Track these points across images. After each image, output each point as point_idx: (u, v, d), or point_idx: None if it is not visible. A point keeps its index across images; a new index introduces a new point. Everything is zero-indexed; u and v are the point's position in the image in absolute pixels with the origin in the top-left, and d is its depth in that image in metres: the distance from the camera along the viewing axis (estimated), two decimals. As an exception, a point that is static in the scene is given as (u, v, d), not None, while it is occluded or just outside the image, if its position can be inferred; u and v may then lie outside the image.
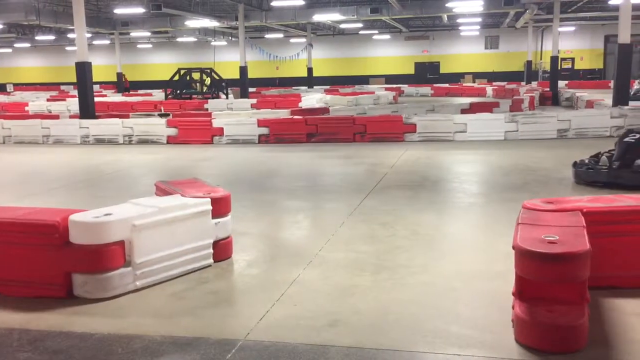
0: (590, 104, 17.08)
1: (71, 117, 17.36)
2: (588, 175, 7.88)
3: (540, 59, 37.74)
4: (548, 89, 24.74)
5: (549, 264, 3.33)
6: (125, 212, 4.47)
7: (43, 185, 9.46)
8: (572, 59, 38.64)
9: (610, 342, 3.46)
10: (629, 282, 4.20)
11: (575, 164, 8.18)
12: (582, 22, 33.75)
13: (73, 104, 20.97)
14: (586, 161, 8.15)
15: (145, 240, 4.43)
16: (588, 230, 3.67)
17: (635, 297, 4.07)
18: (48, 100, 27.58)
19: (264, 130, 14.11)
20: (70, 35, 31.20)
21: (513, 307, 3.54)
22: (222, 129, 14.35)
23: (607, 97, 17.14)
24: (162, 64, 42.32)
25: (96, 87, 26.38)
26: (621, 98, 14.99)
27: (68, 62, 27.17)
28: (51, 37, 32.85)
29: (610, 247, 4.10)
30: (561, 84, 27.56)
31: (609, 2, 23.52)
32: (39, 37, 32.63)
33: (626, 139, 7.90)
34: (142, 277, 4.43)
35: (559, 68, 27.92)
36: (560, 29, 26.25)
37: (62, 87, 39.36)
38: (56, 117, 17.42)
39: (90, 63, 15.39)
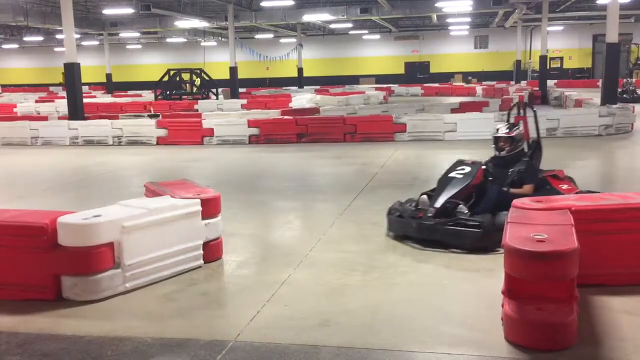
0: (578, 103, 17.19)
1: (60, 118, 17.24)
2: (398, 225, 5.65)
3: (529, 59, 37.93)
4: (537, 88, 24.87)
5: (537, 262, 3.35)
6: (114, 214, 4.44)
7: (31, 187, 9.40)
8: (561, 58, 38.87)
9: (599, 340, 3.48)
10: (618, 280, 4.23)
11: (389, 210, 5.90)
12: (570, 22, 33.96)
13: (62, 105, 20.83)
14: (399, 205, 5.90)
15: (135, 242, 4.42)
16: (576, 228, 3.69)
17: (624, 295, 4.10)
18: (36, 101, 27.37)
19: (254, 131, 14.09)
20: (58, 36, 31.01)
21: (502, 306, 3.56)
22: (212, 129, 14.31)
23: (595, 96, 17.24)
24: (151, 64, 42.16)
25: (85, 88, 26.26)
26: (609, 97, 15.09)
27: (57, 63, 27.01)
28: (39, 38, 32.64)
29: (599, 245, 4.13)
30: (550, 83, 27.69)
31: (597, 2, 23.68)
32: (27, 38, 32.40)
33: (452, 174, 5.74)
34: (132, 278, 4.41)
35: (548, 67, 28.08)
36: (548, 29, 26.41)
37: (51, 89, 39.10)
38: (45, 118, 17.30)
39: (79, 64, 15.29)
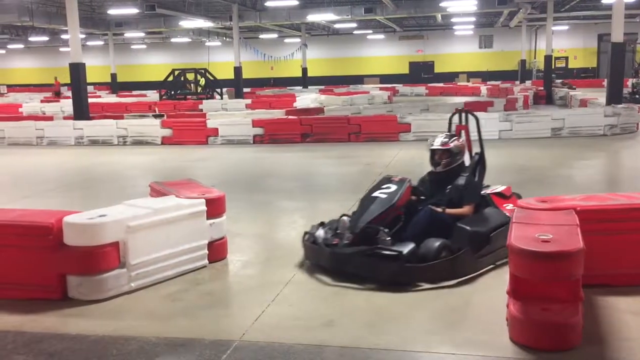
0: (584, 103, 17.14)
1: (65, 118, 17.30)
2: (312, 253, 4.87)
3: (534, 58, 37.82)
4: (542, 88, 24.81)
5: (542, 263, 3.35)
6: (119, 214, 4.46)
7: (37, 187, 9.42)
8: (566, 58, 38.75)
9: (604, 340, 3.47)
10: (623, 280, 4.22)
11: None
12: (575, 21, 33.84)
13: (67, 105, 20.89)
14: (318, 227, 5.01)
15: (140, 242, 4.43)
16: (582, 228, 3.68)
17: (629, 295, 4.09)
18: (42, 101, 27.47)
19: (259, 131, 14.10)
20: (63, 36, 31.07)
21: (507, 306, 3.55)
22: (216, 129, 14.33)
23: (600, 96, 17.19)
24: (156, 64, 42.20)
25: (90, 88, 26.32)
26: (614, 97, 15.04)
27: (62, 63, 27.05)
28: (45, 38, 32.71)
29: (604, 245, 4.12)
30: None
31: (602, 1, 23.63)
32: (32, 38, 32.48)
33: (375, 193, 4.91)
34: (137, 278, 4.42)
35: (553, 67, 27.98)
36: (553, 28, 26.32)
37: (56, 89, 39.19)
38: (50, 118, 17.35)
39: (84, 64, 15.34)
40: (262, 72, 40.61)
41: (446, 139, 5.23)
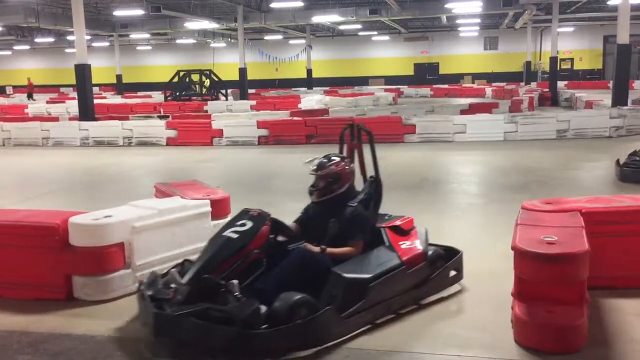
0: (589, 105, 17.09)
1: (71, 119, 17.35)
2: (140, 313, 3.82)
3: (540, 60, 37.73)
4: (547, 90, 24.75)
5: (547, 265, 3.34)
6: (124, 214, 4.47)
7: (42, 188, 9.46)
8: (571, 60, 38.65)
9: (609, 342, 3.46)
10: (629, 282, 4.20)
11: None
12: (581, 23, 33.75)
13: (72, 106, 20.97)
14: (155, 277, 3.81)
15: (145, 242, 4.44)
16: (587, 230, 3.67)
17: (635, 297, 4.07)
18: (47, 102, 27.57)
19: (264, 132, 14.12)
20: (69, 37, 31.17)
21: (512, 308, 3.55)
22: (221, 130, 14.35)
23: (606, 98, 17.14)
24: (161, 65, 42.30)
25: (96, 89, 26.40)
26: (620, 98, 14.99)
27: (67, 64, 27.13)
28: (50, 39, 32.82)
29: (610, 248, 4.11)
30: (560, 84, 27.55)
31: (608, 3, 23.54)
32: (38, 39, 32.58)
33: (227, 231, 3.80)
34: (142, 279, 4.43)
35: (558, 68, 27.93)
36: (559, 30, 26.24)
37: (62, 89, 39.34)
38: (56, 119, 17.41)
39: (89, 65, 15.38)
40: (267, 73, 40.65)
41: (325, 161, 4.22)
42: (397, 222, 4.37)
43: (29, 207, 5.93)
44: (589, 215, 4.04)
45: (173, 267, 3.81)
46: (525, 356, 3.32)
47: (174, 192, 5.29)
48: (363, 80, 38.86)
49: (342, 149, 4.71)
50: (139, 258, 4.40)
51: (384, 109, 19.32)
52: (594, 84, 32.28)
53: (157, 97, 28.92)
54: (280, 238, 3.95)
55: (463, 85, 34.66)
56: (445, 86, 32.99)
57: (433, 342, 3.55)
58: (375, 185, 4.49)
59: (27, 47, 39.14)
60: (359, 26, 34.46)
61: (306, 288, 3.53)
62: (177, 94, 26.52)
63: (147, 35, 34.77)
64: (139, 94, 33.01)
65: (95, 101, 17.56)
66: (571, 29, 35.07)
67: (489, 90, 28.24)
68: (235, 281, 3.46)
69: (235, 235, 3.71)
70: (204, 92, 27.03)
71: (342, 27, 34.88)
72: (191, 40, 38.45)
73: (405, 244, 4.14)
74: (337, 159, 4.28)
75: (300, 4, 22.69)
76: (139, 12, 23.52)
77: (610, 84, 19.78)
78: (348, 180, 4.24)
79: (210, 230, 4.93)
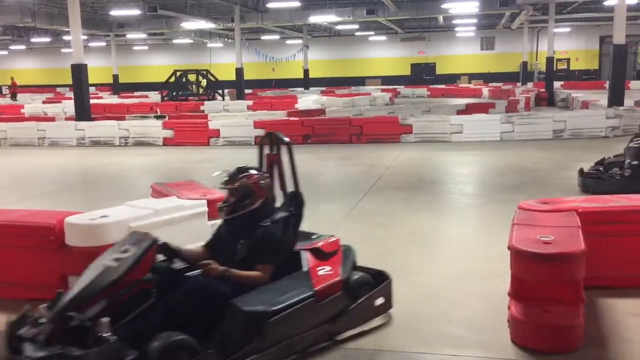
0: (585, 105, 17.13)
1: (67, 119, 17.32)
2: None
3: (536, 60, 37.79)
4: (544, 90, 24.80)
5: (544, 264, 3.35)
6: (121, 214, 4.45)
7: (39, 188, 9.43)
8: (568, 60, 38.71)
9: (606, 342, 3.47)
10: (625, 282, 4.21)
11: None
12: (577, 23, 33.81)
13: (69, 106, 20.92)
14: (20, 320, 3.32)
15: (142, 242, 4.42)
16: (583, 230, 3.68)
17: (631, 297, 4.08)
18: (44, 102, 27.50)
19: (260, 132, 14.10)
20: (65, 37, 31.08)
21: (509, 308, 3.55)
22: (218, 130, 14.34)
23: (602, 98, 17.18)
24: (158, 65, 42.23)
25: (92, 89, 26.34)
26: (616, 98, 15.02)
27: (64, 64, 27.03)
28: (47, 39, 32.74)
29: (606, 247, 4.12)
30: (557, 84, 27.59)
31: (604, 3, 23.57)
32: (34, 39, 32.49)
33: (105, 260, 3.34)
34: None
35: (555, 69, 27.98)
36: (555, 30, 26.28)
37: (58, 89, 39.25)
38: (52, 119, 17.37)
39: (86, 65, 15.35)
40: (263, 73, 40.63)
41: (235, 173, 3.76)
42: (320, 244, 3.88)
43: (24, 207, 5.91)
44: (585, 215, 4.05)
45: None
46: (522, 356, 3.33)
47: (170, 192, 5.28)
48: (360, 81, 38.86)
49: (262, 160, 4.17)
50: (135, 258, 4.38)
51: (381, 109, 19.33)
52: (590, 84, 32.35)
53: (154, 97, 28.88)
54: (178, 264, 3.45)
55: (460, 85, 34.68)
56: (442, 86, 33.01)
57: (429, 341, 3.56)
58: (295, 202, 3.94)
59: (23, 47, 39.05)
60: (355, 26, 34.46)
61: (202, 323, 3.14)
62: (174, 94, 26.48)
63: (143, 35, 34.70)
64: (136, 94, 32.95)
65: (92, 101, 17.52)
66: (567, 29, 35.13)
67: (485, 91, 28.27)
68: (105, 319, 2.93)
69: (114, 264, 3.20)
70: (200, 92, 27.00)
71: (339, 27, 34.88)
72: (188, 40, 38.40)
73: (323, 270, 3.63)
74: (251, 171, 3.78)
75: (297, 4, 22.68)
76: (135, 12, 23.47)
77: (607, 84, 19.81)
78: (262, 196, 3.71)
79: (207, 230, 4.93)
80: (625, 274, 4.22)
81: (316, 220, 7.03)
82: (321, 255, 3.79)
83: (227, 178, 3.72)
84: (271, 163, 4.10)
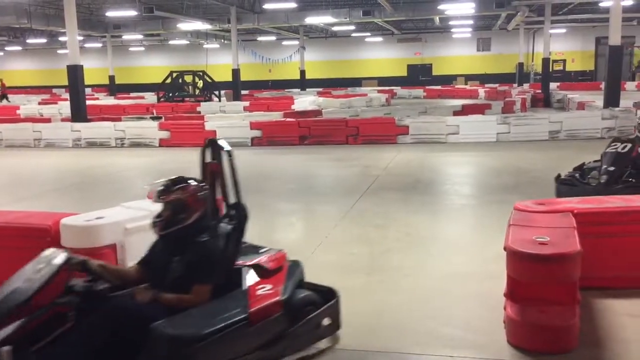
0: (581, 106, 17.17)
1: (63, 120, 17.28)
2: None
3: (532, 61, 37.87)
4: (540, 91, 24.84)
5: (540, 265, 3.35)
6: (117, 216, 4.44)
7: (34, 189, 9.41)
8: (564, 61, 38.79)
9: (601, 342, 3.48)
10: (620, 283, 4.22)
11: None
12: (573, 24, 33.90)
13: (65, 107, 20.88)
14: None
15: (138, 244, 4.40)
16: (579, 231, 3.68)
17: (626, 297, 4.09)
18: (40, 103, 27.44)
19: (257, 133, 14.10)
20: (61, 38, 31.05)
21: (505, 308, 3.56)
22: (214, 131, 14.30)
23: (598, 99, 17.22)
24: (154, 66, 42.17)
25: (88, 90, 26.30)
26: (612, 99, 15.06)
27: (60, 65, 26.95)
28: (43, 40, 32.70)
29: (602, 248, 4.13)
30: (553, 85, 27.65)
31: (600, 5, 23.65)
32: (30, 40, 32.47)
33: (19, 280, 3.03)
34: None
35: (551, 70, 28.04)
36: (551, 31, 26.35)
37: (54, 90, 39.16)
38: (48, 120, 17.33)
39: (82, 66, 15.32)
40: (260, 74, 40.61)
41: (169, 185, 3.41)
42: (263, 260, 3.58)
43: (20, 209, 5.90)
44: (581, 215, 4.06)
45: None
46: (517, 356, 3.33)
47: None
48: (356, 82, 38.87)
49: (205, 171, 3.88)
50: (131, 260, 4.36)
51: (377, 110, 19.33)
52: (586, 85, 32.41)
53: (150, 98, 28.85)
54: (102, 285, 3.12)
55: (456, 86, 34.73)
56: (438, 87, 33.05)
57: (425, 342, 3.56)
58: (237, 214, 3.61)
59: (19, 48, 38.98)
60: (352, 27, 34.48)
61: (125, 350, 2.89)
62: (170, 95, 26.44)
63: (139, 36, 34.69)
64: (132, 95, 32.90)
65: (88, 102, 17.49)
66: (563, 30, 35.22)
67: (481, 92, 28.31)
68: (6, 348, 2.64)
69: (24, 285, 2.87)
70: (197, 93, 26.98)
71: (335, 28, 34.89)
72: (184, 41, 38.37)
73: (264, 289, 3.32)
74: (188, 182, 3.45)
75: (294, 5, 22.68)
76: (131, 13, 23.45)
77: (602, 85, 19.86)
78: (199, 209, 3.38)
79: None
80: (621, 274, 4.23)
81: (313, 220, 7.06)
82: (263, 272, 3.49)
83: (160, 190, 3.36)
84: (212, 172, 3.79)
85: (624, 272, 4.24)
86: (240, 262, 3.52)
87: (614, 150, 6.46)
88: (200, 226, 3.38)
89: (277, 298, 3.26)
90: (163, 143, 14.41)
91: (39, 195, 8.86)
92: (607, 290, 4.15)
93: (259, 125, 14.27)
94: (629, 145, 6.42)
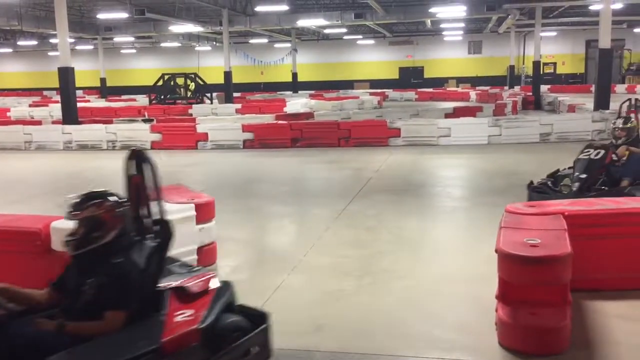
0: (572, 108, 17.26)
1: (54, 122, 17.18)
2: None
3: (523, 64, 38.05)
4: (531, 94, 24.97)
5: (531, 267, 3.37)
6: (108, 219, 4.42)
7: (25, 192, 9.35)
8: (554, 64, 39.00)
9: (592, 344, 3.50)
10: (611, 284, 4.24)
11: None
12: (563, 27, 34.09)
13: (56, 109, 20.77)
14: None
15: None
16: (570, 233, 3.70)
17: (617, 299, 4.11)
18: (30, 105, 27.28)
19: (249, 136, 14.09)
20: (52, 41, 30.90)
21: (496, 310, 3.57)
22: (206, 134, 14.30)
23: (588, 102, 17.32)
24: (146, 69, 42.04)
25: (79, 93, 26.18)
26: (602, 102, 15.15)
27: (51, 67, 26.81)
28: (33, 42, 32.54)
29: (592, 250, 4.15)
30: (543, 88, 27.79)
31: (590, 8, 23.81)
32: (21, 42, 32.29)
33: None
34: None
35: (541, 72, 28.19)
36: (542, 34, 26.49)
37: (45, 93, 38.97)
38: (39, 123, 17.24)
39: (73, 68, 15.25)
40: (252, 76, 40.58)
41: (83, 200, 3.12)
42: (188, 282, 3.14)
43: (11, 212, 5.86)
44: (572, 218, 4.08)
45: None
46: (509, 358, 3.34)
47: (158, 196, 5.25)
48: (348, 84, 38.92)
49: (130, 186, 3.36)
50: (122, 263, 4.35)
51: (369, 113, 19.37)
52: (577, 88, 32.60)
53: (142, 100, 28.76)
54: (10, 305, 2.88)
55: (447, 89, 34.85)
56: (430, 90, 33.12)
57: (417, 345, 3.56)
58: (161, 232, 3.18)
59: (9, 50, 38.74)
60: (344, 30, 34.51)
61: None
62: (162, 97, 26.37)
63: (131, 39, 34.59)
64: (123, 97, 32.78)
65: (79, 104, 17.40)
66: (554, 33, 35.42)
67: (473, 94, 28.42)
68: None
69: None
70: (189, 95, 26.92)
71: (327, 31, 34.92)
72: (176, 44, 38.28)
73: (184, 315, 2.94)
74: (105, 197, 3.12)
75: (285, 7, 22.69)
76: (123, 15, 23.36)
77: (593, 88, 19.99)
78: (116, 227, 3.05)
79: (195, 234, 4.92)
80: (611, 276, 4.25)
81: (305, 223, 7.05)
82: (186, 296, 3.06)
83: (72, 206, 3.06)
84: (135, 186, 3.31)
85: (615, 273, 4.26)
86: (164, 284, 3.10)
87: (586, 157, 6.25)
88: (117, 245, 3.03)
89: (195, 326, 2.86)
90: (155, 146, 14.36)
91: (30, 198, 8.81)
92: (597, 292, 4.17)
93: (251, 128, 14.26)
94: (602, 151, 6.21)
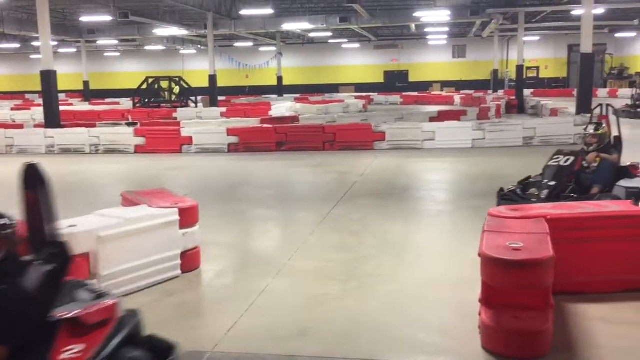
0: (554, 112, 17.43)
1: (36, 126, 17.02)
2: None
3: (507, 68, 38.37)
4: (514, 97, 25.17)
5: (513, 271, 3.39)
6: (90, 224, 4.40)
7: (6, 197, 9.23)
8: (537, 68, 39.39)
9: (574, 347, 3.52)
10: (593, 287, 4.27)
11: None
12: (546, 32, 34.45)
13: (38, 113, 20.58)
14: None
15: (111, 252, 4.37)
16: (552, 236, 3.73)
17: (599, 302, 4.14)
18: (12, 109, 27.00)
19: (234, 139, 14.04)
20: (35, 43, 30.62)
21: (480, 314, 3.58)
22: (191, 138, 14.23)
23: (570, 106, 17.50)
24: (130, 72, 41.79)
25: (62, 96, 25.97)
26: (584, 106, 15.31)
27: (33, 70, 26.52)
28: (16, 45, 32.22)
29: (574, 253, 4.18)
30: (527, 92, 28.04)
31: (572, 13, 24.07)
32: (2, 45, 31.94)
33: None
34: (108, 289, 4.35)
35: (525, 77, 28.44)
36: (525, 39, 26.74)
37: (27, 96, 38.60)
38: (20, 126, 17.07)
39: (55, 71, 15.11)
40: (237, 80, 40.50)
41: None
42: (84, 312, 2.65)
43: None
44: (554, 221, 4.11)
45: None
46: (492, 362, 3.36)
47: (141, 200, 5.23)
48: (333, 88, 39.00)
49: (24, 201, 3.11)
50: (104, 269, 4.32)
51: (354, 116, 19.41)
52: (559, 92, 32.93)
53: (126, 104, 28.60)
54: None
55: (432, 93, 35.04)
56: (415, 94, 33.29)
57: (401, 348, 3.57)
58: (56, 255, 2.78)
59: (-9, 52, 38.37)
60: (329, 34, 34.60)
61: None
62: (146, 101, 26.24)
63: (115, 42, 34.40)
64: (107, 100, 32.57)
65: (62, 108, 17.27)
66: (537, 38, 35.77)
67: (457, 98, 28.60)
68: None
69: None
70: (173, 99, 26.81)
71: (312, 35, 34.98)
72: (160, 47, 38.12)
73: (73, 350, 2.54)
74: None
75: (270, 11, 22.69)
76: (106, 18, 23.23)
77: (575, 92, 20.19)
78: (1, 249, 2.70)
79: (178, 239, 4.89)
80: (593, 279, 4.29)
81: (290, 227, 7.04)
82: (78, 328, 2.62)
83: None
84: (29, 203, 3.04)
85: (597, 276, 4.29)
86: (59, 313, 2.62)
87: (555, 163, 6.15)
88: (3, 270, 2.62)
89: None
90: (139, 149, 14.27)
91: (11, 203, 8.69)
92: (580, 295, 4.20)
93: (236, 132, 14.22)
94: (572, 158, 6.11)
